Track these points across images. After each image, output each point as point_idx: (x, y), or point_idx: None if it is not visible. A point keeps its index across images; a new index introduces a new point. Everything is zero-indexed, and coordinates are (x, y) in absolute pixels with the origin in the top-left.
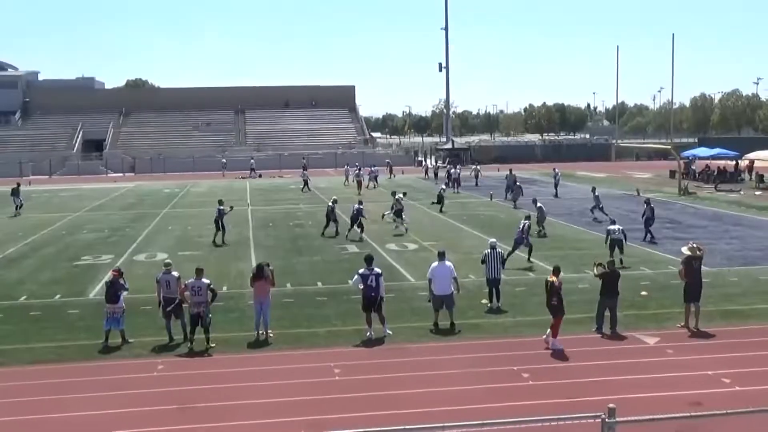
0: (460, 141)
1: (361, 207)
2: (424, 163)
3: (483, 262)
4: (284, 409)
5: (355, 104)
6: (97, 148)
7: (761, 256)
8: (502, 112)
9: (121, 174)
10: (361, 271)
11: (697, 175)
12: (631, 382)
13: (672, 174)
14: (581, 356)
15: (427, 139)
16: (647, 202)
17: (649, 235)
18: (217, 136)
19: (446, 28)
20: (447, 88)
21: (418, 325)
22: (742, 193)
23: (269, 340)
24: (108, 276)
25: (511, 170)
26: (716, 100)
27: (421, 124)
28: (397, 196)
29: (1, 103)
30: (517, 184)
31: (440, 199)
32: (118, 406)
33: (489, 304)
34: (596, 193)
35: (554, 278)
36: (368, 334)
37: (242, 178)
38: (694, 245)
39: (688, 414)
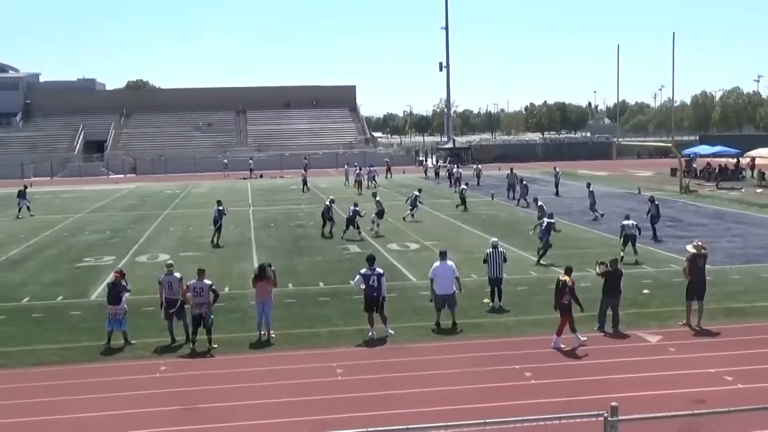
0: (461, 140)
1: (357, 209)
2: (424, 162)
3: (485, 261)
4: (287, 410)
5: (356, 104)
6: (99, 150)
7: (763, 253)
8: (503, 111)
9: (122, 175)
10: (362, 271)
11: (698, 173)
12: (634, 380)
13: (673, 172)
14: (583, 355)
15: (428, 139)
16: (652, 200)
17: (654, 233)
18: (218, 137)
19: (447, 28)
20: (448, 87)
21: (419, 324)
22: (743, 190)
23: (271, 341)
24: (110, 277)
25: (512, 169)
26: (717, 98)
27: (422, 124)
28: (414, 193)
29: (2, 105)
30: (524, 183)
31: (463, 200)
32: (121, 408)
33: (491, 304)
34: (591, 189)
35: (567, 278)
36: (370, 334)
37: (243, 179)
38: (700, 243)
39: (691, 412)
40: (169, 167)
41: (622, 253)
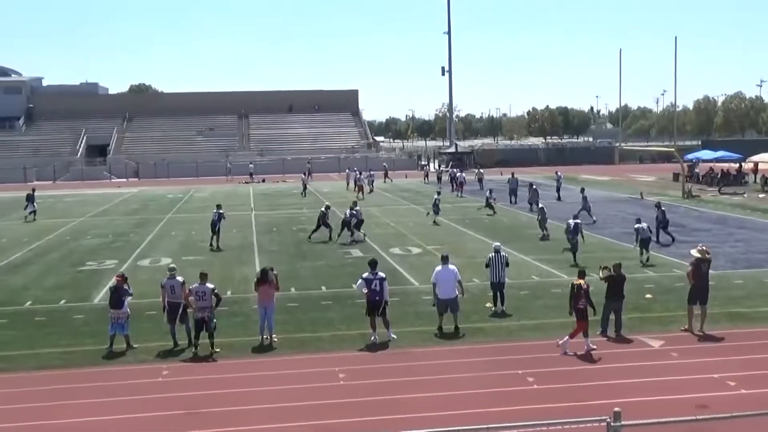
0: (464, 144)
1: (353, 212)
2: (425, 167)
3: (487, 265)
4: (289, 414)
5: (359, 108)
6: (101, 154)
7: (766, 258)
8: (505, 115)
9: (124, 179)
10: (365, 275)
11: (700, 177)
12: (636, 385)
13: (676, 177)
14: (586, 359)
15: (431, 143)
16: (658, 205)
17: (660, 237)
18: (220, 141)
19: (449, 32)
20: (450, 91)
21: (422, 329)
22: (745, 195)
23: (274, 345)
24: (112, 281)
25: (513, 174)
26: (719, 103)
27: (424, 128)
28: (435, 197)
29: (5, 109)
30: (534, 187)
31: (489, 205)
32: (124, 412)
33: (493, 308)
34: (584, 194)
35: (581, 281)
36: (373, 338)
37: (245, 183)
38: (704, 248)
39: (694, 417)
40: (172, 171)
41: (641, 257)
